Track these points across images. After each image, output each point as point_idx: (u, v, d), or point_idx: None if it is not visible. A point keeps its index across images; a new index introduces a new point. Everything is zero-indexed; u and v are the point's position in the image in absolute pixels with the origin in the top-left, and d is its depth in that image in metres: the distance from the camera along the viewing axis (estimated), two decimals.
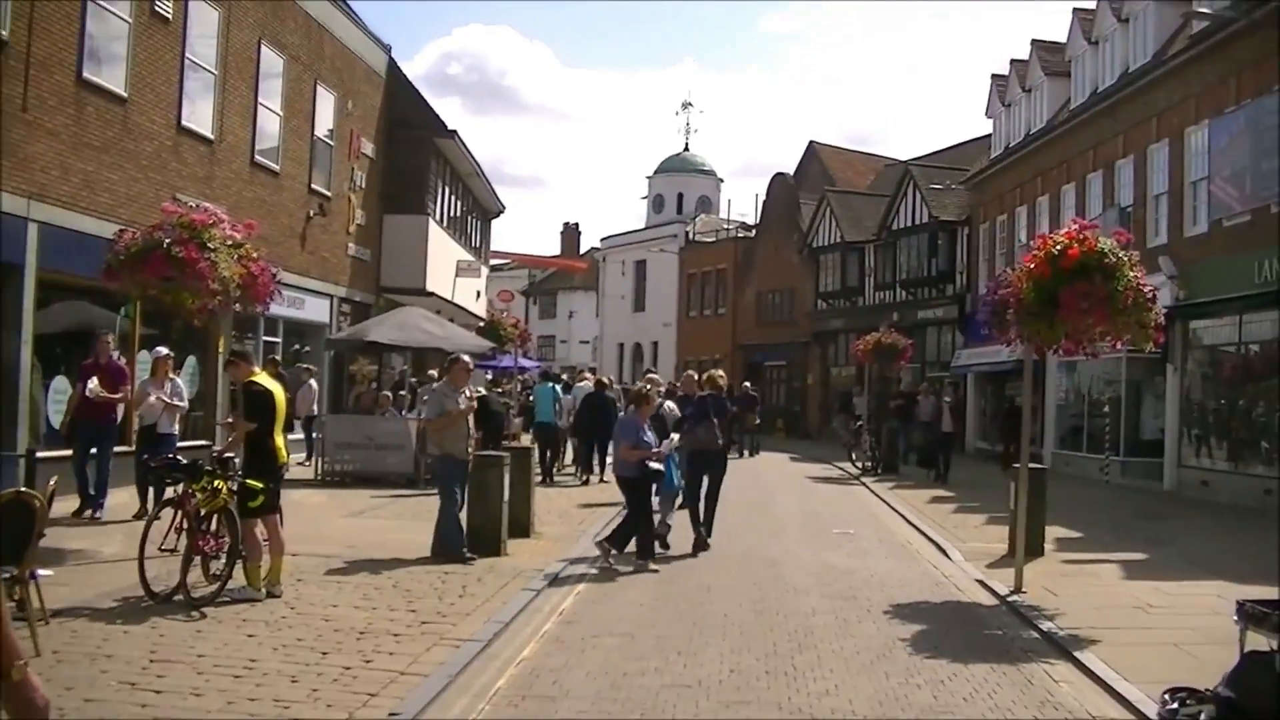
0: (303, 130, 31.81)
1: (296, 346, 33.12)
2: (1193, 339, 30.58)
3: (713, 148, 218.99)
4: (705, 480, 19.07)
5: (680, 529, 19.18)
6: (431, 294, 39.93)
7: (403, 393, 30.62)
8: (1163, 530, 22.79)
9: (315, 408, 30.24)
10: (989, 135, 49.31)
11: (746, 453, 43.68)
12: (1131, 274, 14.25)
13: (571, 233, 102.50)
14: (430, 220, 40.03)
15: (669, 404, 21.06)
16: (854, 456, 38.89)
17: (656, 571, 16.68)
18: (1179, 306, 28.65)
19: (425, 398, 21.62)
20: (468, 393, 17.61)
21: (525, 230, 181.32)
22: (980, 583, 16.54)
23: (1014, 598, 15.12)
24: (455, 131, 40.87)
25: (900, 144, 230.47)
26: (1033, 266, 14.66)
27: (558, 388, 32.71)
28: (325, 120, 33.54)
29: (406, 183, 39.23)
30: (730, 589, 15.49)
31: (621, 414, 18.03)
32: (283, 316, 30.90)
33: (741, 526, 21.88)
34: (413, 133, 39.28)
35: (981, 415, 47.54)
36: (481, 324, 38.67)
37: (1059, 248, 14.38)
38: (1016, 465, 17.39)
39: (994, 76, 47.65)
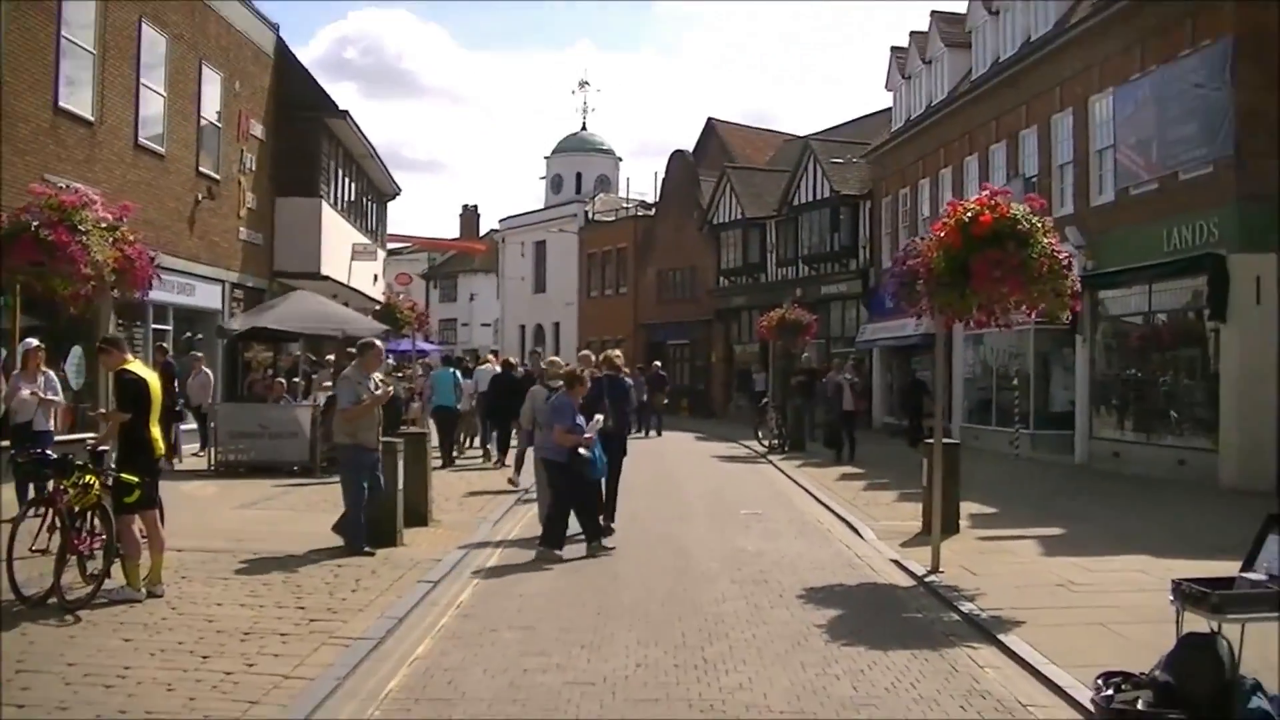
0: (188, 112, 30.79)
1: (188, 334, 32.09)
2: (1101, 309, 30.25)
3: (611, 128, 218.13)
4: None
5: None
6: (327, 278, 39.10)
7: (297, 379, 29.72)
8: (1078, 504, 22.39)
9: (210, 397, 29.28)
10: (890, 109, 48.95)
11: (653, 433, 43.52)
12: (1045, 240, 13.79)
13: (471, 215, 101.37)
14: (324, 202, 39.15)
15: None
16: (760, 435, 38.49)
17: (561, 559, 16.06)
18: (1087, 276, 28.13)
19: (328, 384, 20.76)
20: (378, 378, 16.89)
21: (426, 214, 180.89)
22: (895, 563, 16.04)
23: (931, 578, 14.63)
24: (347, 112, 40.02)
25: (800, 121, 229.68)
26: (943, 235, 14.13)
27: (457, 372, 32.27)
28: (212, 102, 32.52)
29: (298, 165, 38.22)
30: (636, 577, 14.88)
31: (554, 396, 16.99)
32: (172, 303, 30.03)
33: (647, 510, 21.30)
34: (304, 114, 38.29)
35: (888, 390, 47.21)
36: (378, 307, 37.71)
37: (970, 215, 13.87)
38: (928, 440, 16.96)
39: (893, 49, 47.15)
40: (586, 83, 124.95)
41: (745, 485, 27.06)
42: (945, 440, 18.01)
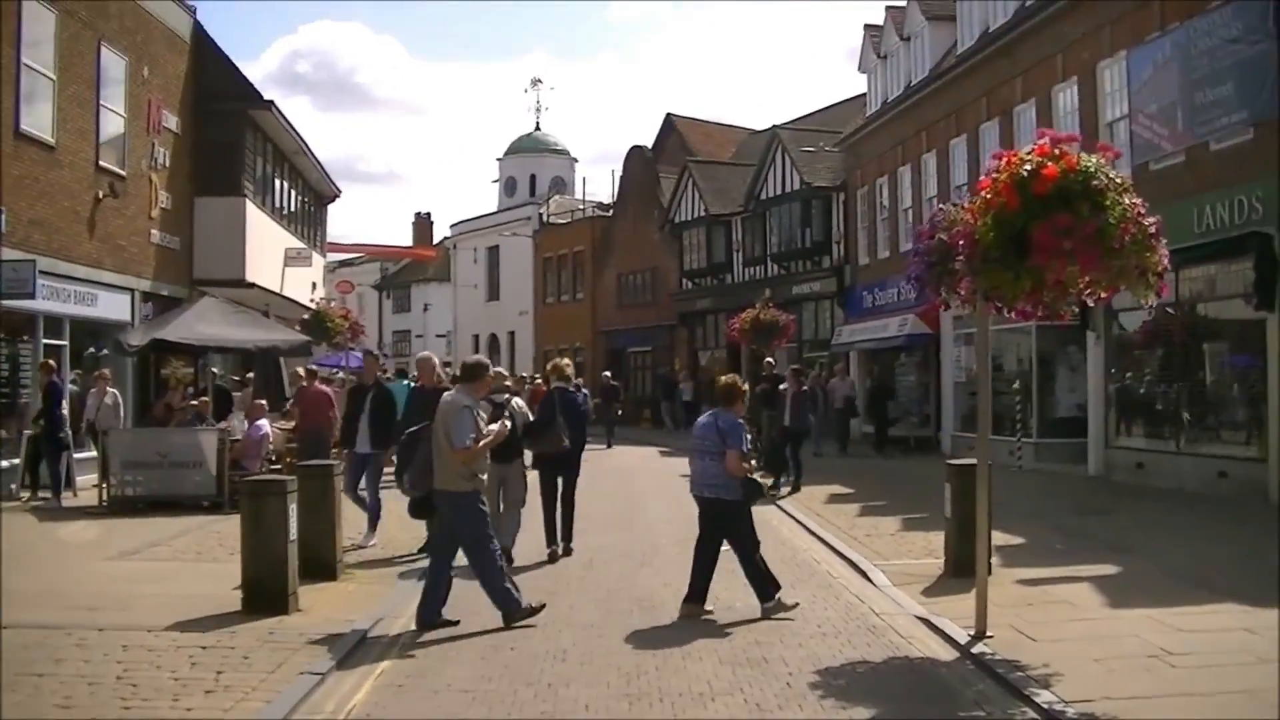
0: (85, 98, 27.11)
1: (91, 350, 28.50)
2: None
3: (567, 134, 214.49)
4: (559, 485, 17.62)
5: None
6: (253, 285, 35.39)
7: (204, 399, 25.93)
8: (1116, 529, 18.91)
9: (120, 420, 25.72)
10: (863, 94, 45.64)
11: (605, 444, 40.45)
12: (1127, 201, 10.38)
13: (424, 223, 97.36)
14: (248, 202, 35.40)
15: (517, 400, 17.49)
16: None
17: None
18: None
19: (448, 413, 17.17)
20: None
21: (384, 227, 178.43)
22: (925, 623, 12.58)
23: (980, 647, 11.22)
24: (272, 102, 36.28)
25: (764, 119, 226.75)
26: (991, 196, 10.71)
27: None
28: (115, 88, 28.84)
29: (220, 161, 34.51)
30: (592, 657, 11.27)
31: (721, 417, 13.18)
32: (68, 314, 26.48)
33: (605, 550, 17.84)
34: (225, 105, 34.56)
35: (867, 397, 43.66)
36: (305, 316, 34.18)
37: (1029, 168, 10.45)
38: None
39: (867, 27, 43.55)
40: (539, 80, 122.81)
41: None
42: (961, 461, 15.00)
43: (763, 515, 22.46)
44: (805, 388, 28.73)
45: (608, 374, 49.13)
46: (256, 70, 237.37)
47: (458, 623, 12.46)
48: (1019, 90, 31.03)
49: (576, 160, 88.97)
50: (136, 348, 24.68)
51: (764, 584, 13.10)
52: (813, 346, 48.32)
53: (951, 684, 10.42)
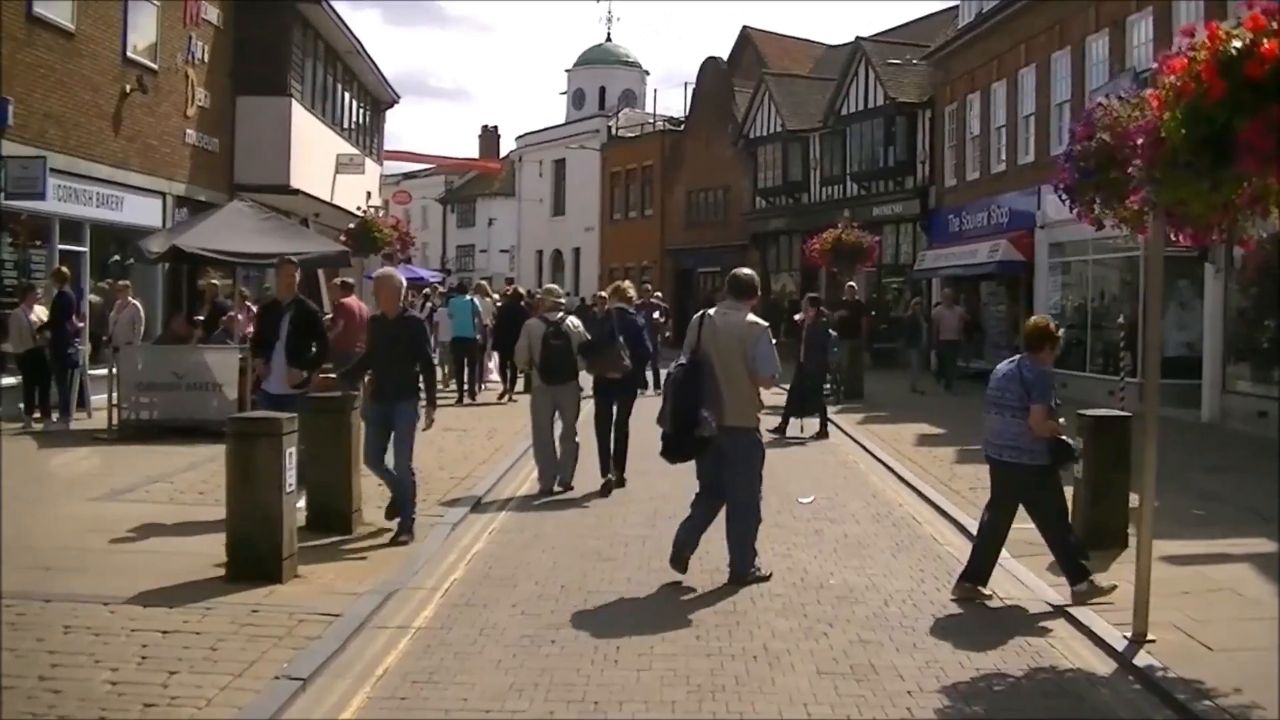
0: None
1: (116, 258, 26.29)
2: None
3: (638, 49, 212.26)
4: (614, 411, 16.64)
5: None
6: (298, 192, 33.05)
7: (233, 313, 23.60)
8: (1253, 486, 16.30)
9: (137, 335, 23.50)
10: (954, 6, 42.57)
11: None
12: None
13: (490, 136, 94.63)
14: (294, 103, 32.96)
15: (572, 320, 16.81)
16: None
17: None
18: None
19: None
20: None
21: (450, 143, 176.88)
22: (1065, 613, 10.15)
23: (1143, 657, 8.80)
24: None
25: (843, 35, 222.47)
26: (1184, 81, 8.16)
27: (475, 300, 29.88)
28: None
29: (265, 58, 32.02)
30: (651, 661, 8.83)
31: (1026, 367, 10.54)
32: (88, 218, 24.40)
33: (669, 500, 14.47)
34: None
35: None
36: (351, 225, 31.79)
37: (1237, 45, 7.88)
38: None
39: None
40: None
41: (796, 451, 21.08)
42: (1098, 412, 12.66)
43: (841, 456, 20.27)
44: (824, 318, 24.56)
45: (650, 288, 38.44)
46: None
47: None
48: None
49: (648, 73, 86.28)
50: (157, 255, 22.28)
51: (1074, 564, 10.53)
52: (890, 272, 45.93)
53: (1114, 711, 8.02)
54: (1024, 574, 11.45)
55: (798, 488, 16.51)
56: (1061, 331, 13.08)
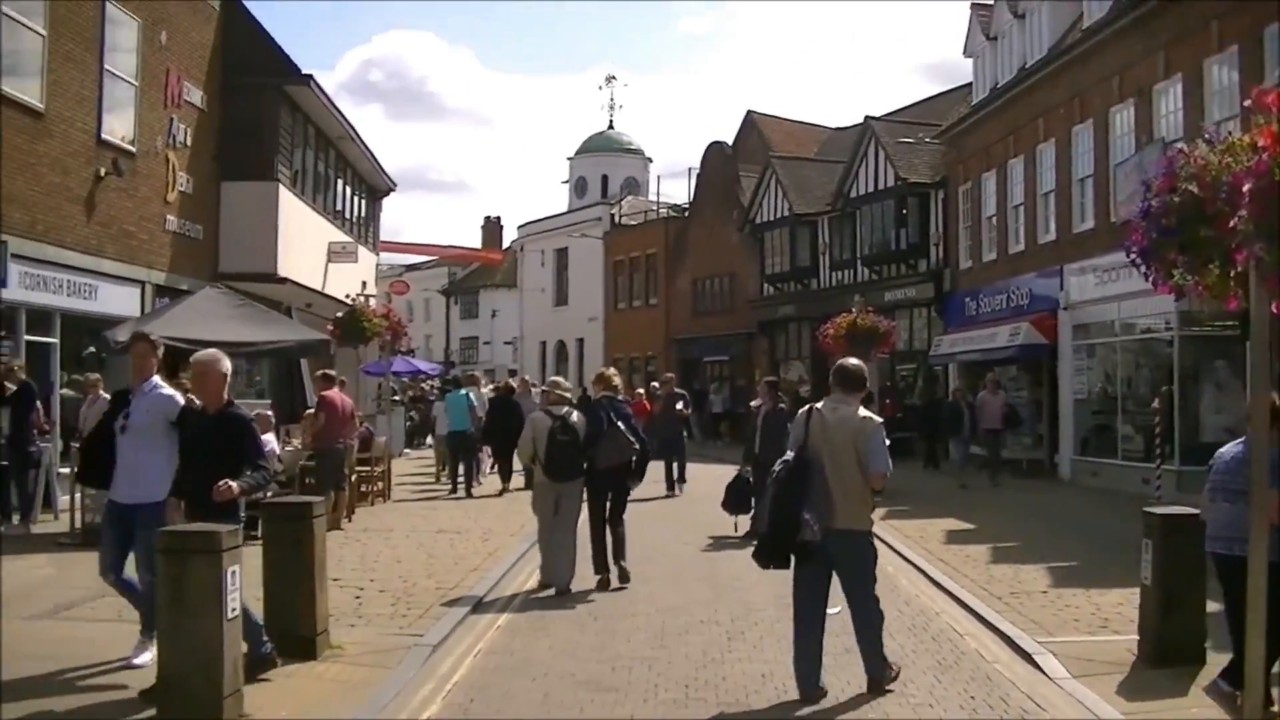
0: (84, 61, 23.58)
1: (91, 350, 24.79)
2: None
3: (640, 137, 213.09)
4: (608, 507, 15.95)
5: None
6: (286, 280, 31.69)
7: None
8: None
9: None
10: (967, 85, 41.63)
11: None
12: None
13: (493, 227, 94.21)
14: (282, 188, 31.65)
15: (577, 415, 16.06)
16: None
17: None
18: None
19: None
20: None
21: (452, 236, 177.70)
22: None
23: None
24: (310, 76, 32.37)
25: (846, 120, 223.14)
26: None
27: (471, 394, 29.93)
28: (124, 52, 25.49)
29: (251, 142, 30.90)
30: None
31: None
32: (58, 308, 23.08)
33: (678, 613, 13.56)
34: (257, 79, 30.98)
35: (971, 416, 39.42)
36: (339, 315, 30.24)
37: None
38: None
39: (975, 6, 39.30)
40: (614, 77, 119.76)
41: None
42: (1168, 510, 11.14)
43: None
44: (782, 405, 21.50)
45: (667, 378, 34.76)
46: (330, 80, 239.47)
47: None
48: (1161, 66, 26.55)
49: (651, 160, 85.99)
50: (123, 345, 20.82)
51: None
52: (903, 358, 44.54)
53: None
54: (1089, 698, 9.83)
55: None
56: None
